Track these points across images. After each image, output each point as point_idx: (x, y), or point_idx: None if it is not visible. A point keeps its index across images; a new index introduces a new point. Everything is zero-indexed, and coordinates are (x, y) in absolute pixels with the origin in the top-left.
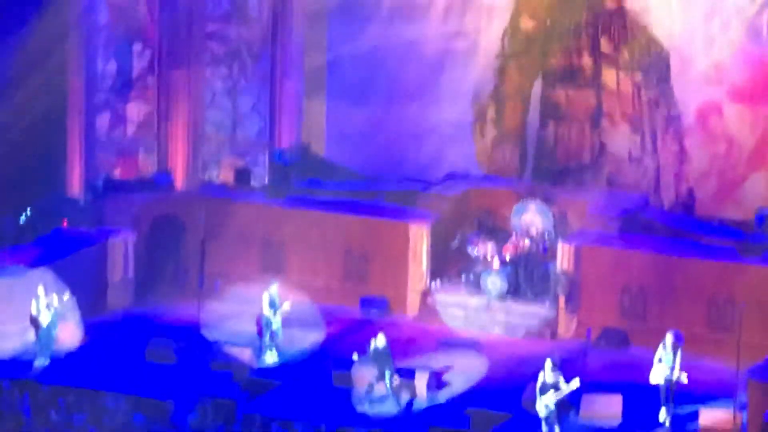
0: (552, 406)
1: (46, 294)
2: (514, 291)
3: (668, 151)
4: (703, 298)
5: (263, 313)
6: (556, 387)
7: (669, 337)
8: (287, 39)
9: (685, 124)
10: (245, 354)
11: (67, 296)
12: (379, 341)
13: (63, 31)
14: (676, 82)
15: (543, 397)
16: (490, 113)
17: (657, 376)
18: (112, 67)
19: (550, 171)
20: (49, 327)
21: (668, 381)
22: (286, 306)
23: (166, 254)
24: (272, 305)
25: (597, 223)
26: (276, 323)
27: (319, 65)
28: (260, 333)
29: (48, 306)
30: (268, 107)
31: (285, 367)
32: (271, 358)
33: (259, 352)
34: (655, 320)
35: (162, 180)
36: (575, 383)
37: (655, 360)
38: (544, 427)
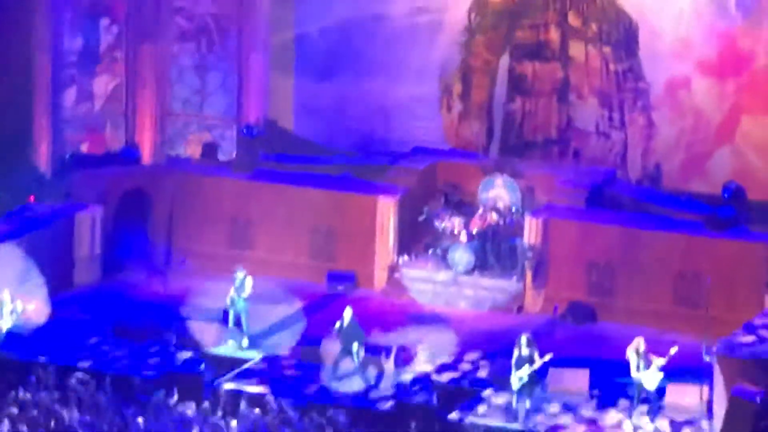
0: (525, 379)
1: (12, 299)
2: (481, 265)
3: (636, 125)
4: (670, 273)
5: (229, 300)
6: (531, 361)
7: (641, 343)
8: (255, 14)
9: (653, 97)
10: (212, 329)
11: (32, 306)
12: (346, 316)
13: (29, 5)
14: (645, 56)
15: (518, 371)
16: (457, 88)
17: (652, 382)
18: (78, 42)
19: (517, 145)
20: (9, 329)
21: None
22: (249, 289)
23: (134, 229)
24: (236, 292)
25: (564, 197)
26: (243, 310)
27: (286, 41)
28: (227, 320)
29: (12, 312)
30: (235, 82)
31: (252, 342)
32: (243, 343)
33: (235, 338)
34: (622, 295)
35: (129, 155)
36: (548, 357)
37: (633, 368)
38: (515, 400)
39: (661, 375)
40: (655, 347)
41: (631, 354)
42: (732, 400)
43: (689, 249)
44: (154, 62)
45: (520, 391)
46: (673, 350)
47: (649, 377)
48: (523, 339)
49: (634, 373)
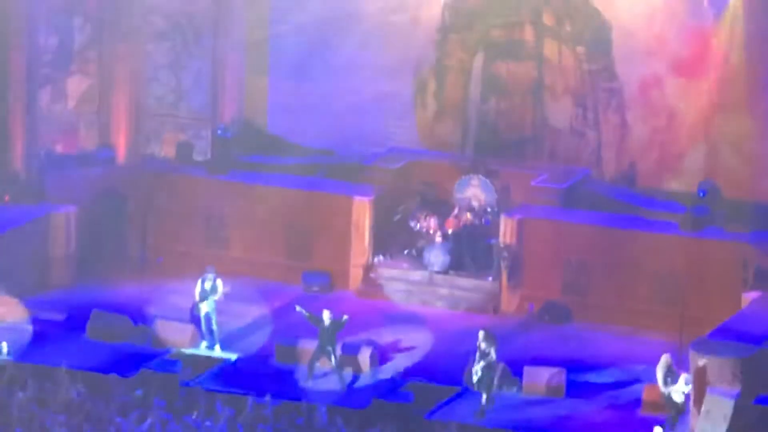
0: (479, 374)
1: None
2: (456, 265)
3: (610, 125)
4: (645, 272)
5: (197, 302)
6: (486, 356)
7: (668, 359)
8: (229, 13)
9: (627, 97)
10: (187, 329)
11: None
12: (324, 317)
13: (4, 4)
14: (618, 55)
15: (475, 366)
16: (431, 87)
17: (680, 394)
18: (53, 41)
19: (492, 144)
20: None
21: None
22: (221, 292)
23: (109, 230)
24: (205, 294)
25: (539, 197)
26: (212, 312)
27: (261, 39)
28: (197, 322)
29: None
30: (210, 81)
31: (227, 342)
32: (216, 349)
33: (206, 341)
34: (597, 294)
35: (104, 155)
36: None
37: (661, 383)
38: (483, 396)
39: (688, 387)
40: (631, 347)
41: (659, 370)
42: (708, 399)
43: (664, 248)
44: (129, 61)
45: (478, 385)
46: (702, 362)
47: (677, 390)
48: (481, 334)
49: (662, 389)
